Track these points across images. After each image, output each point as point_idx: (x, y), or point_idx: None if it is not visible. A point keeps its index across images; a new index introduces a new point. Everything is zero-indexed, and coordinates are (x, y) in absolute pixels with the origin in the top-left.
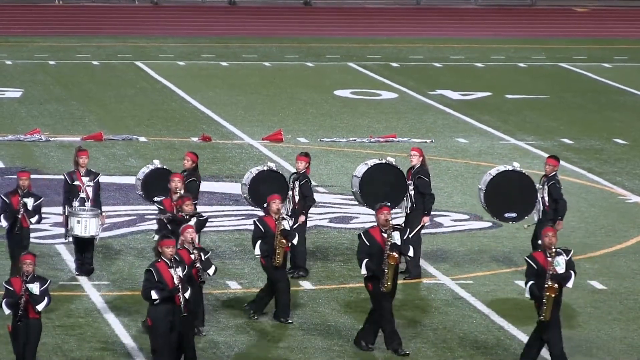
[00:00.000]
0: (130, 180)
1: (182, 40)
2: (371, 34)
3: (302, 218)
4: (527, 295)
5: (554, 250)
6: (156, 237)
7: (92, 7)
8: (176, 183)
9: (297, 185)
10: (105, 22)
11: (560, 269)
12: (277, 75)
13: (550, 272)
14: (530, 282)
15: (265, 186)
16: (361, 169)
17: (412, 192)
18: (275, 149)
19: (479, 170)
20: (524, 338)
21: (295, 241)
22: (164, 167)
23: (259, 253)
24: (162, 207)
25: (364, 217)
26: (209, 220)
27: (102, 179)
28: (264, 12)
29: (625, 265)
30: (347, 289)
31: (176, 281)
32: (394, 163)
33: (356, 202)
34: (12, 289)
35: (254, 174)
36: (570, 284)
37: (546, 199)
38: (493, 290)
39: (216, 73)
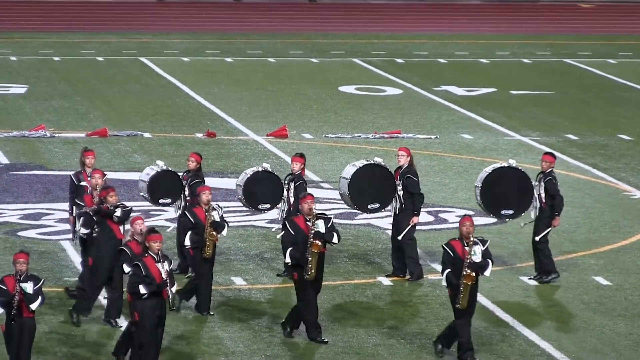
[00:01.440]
0: (135, 176)
1: (186, 36)
2: (376, 30)
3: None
4: (444, 283)
5: (471, 239)
6: (83, 230)
7: (97, 3)
8: (96, 180)
9: (292, 187)
10: (110, 18)
11: (477, 257)
12: (282, 71)
13: (468, 261)
14: (447, 270)
15: (260, 187)
16: (349, 170)
17: (400, 193)
18: (280, 144)
19: (483, 166)
20: (529, 334)
21: (224, 232)
22: (169, 168)
23: (189, 244)
24: (83, 204)
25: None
26: (132, 210)
27: (107, 175)
28: (269, 8)
29: (630, 261)
30: (352, 285)
31: (164, 276)
32: (382, 163)
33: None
34: (5, 288)
35: (249, 175)
36: (487, 273)
37: (543, 195)
38: (498, 286)
39: (221, 69)
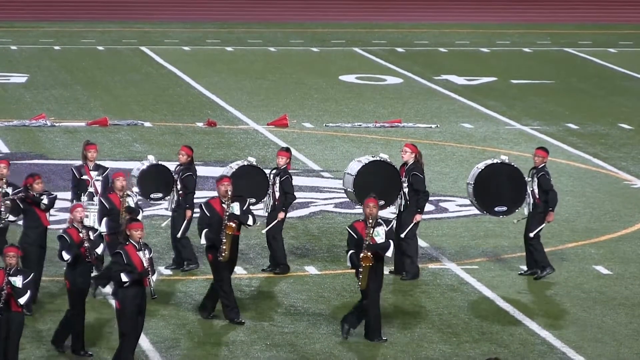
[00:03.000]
0: (136, 165)
1: (187, 25)
2: (376, 19)
3: (281, 215)
4: (348, 264)
5: (374, 220)
6: (11, 217)
7: None
8: (1, 169)
9: (277, 181)
10: (111, 8)
11: (380, 239)
12: (283, 60)
13: (367, 242)
14: (351, 252)
15: (245, 182)
16: (354, 167)
17: (405, 190)
18: (281, 134)
19: (484, 155)
20: (530, 323)
21: (141, 217)
22: (160, 162)
23: (105, 230)
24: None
25: None
26: (57, 197)
27: (107, 164)
28: None
29: (630, 250)
30: (352, 274)
31: (145, 264)
32: (388, 160)
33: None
34: None
35: (234, 169)
36: (389, 254)
37: (536, 191)
38: (498, 275)
39: (221, 58)
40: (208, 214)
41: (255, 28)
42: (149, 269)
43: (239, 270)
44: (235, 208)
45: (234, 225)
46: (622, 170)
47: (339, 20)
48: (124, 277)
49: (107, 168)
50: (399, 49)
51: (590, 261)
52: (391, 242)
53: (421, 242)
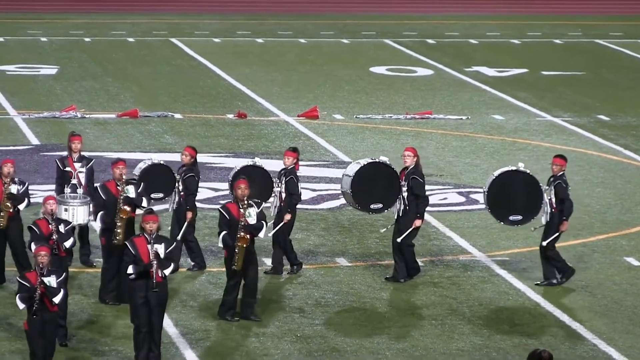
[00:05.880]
0: (165, 157)
1: (217, 17)
2: (407, 11)
3: (287, 217)
4: (220, 244)
5: (245, 202)
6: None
7: None
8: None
9: (283, 181)
10: None
11: (252, 220)
12: (313, 52)
13: (242, 223)
14: (223, 232)
15: (249, 182)
16: (353, 168)
17: (405, 194)
18: (311, 125)
19: (514, 146)
20: (560, 315)
21: (22, 207)
22: (162, 162)
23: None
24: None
25: None
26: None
27: (138, 155)
28: None
29: None
30: (382, 266)
31: (151, 257)
32: (387, 162)
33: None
34: (27, 283)
35: (237, 169)
36: (262, 234)
37: (553, 200)
38: (529, 267)
39: (252, 50)
40: (103, 197)
41: (285, 20)
42: (155, 261)
43: (268, 262)
44: (130, 191)
45: (128, 208)
46: None
47: (369, 12)
48: (130, 270)
49: (92, 159)
50: (430, 41)
51: (621, 253)
52: (264, 223)
53: (451, 234)
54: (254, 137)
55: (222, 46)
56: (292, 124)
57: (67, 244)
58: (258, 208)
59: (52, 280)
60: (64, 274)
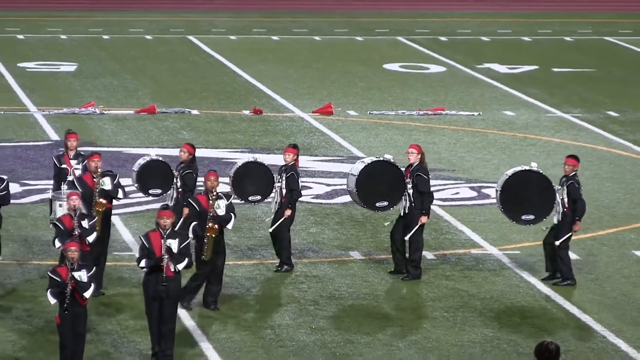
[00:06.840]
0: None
1: (233, 14)
2: (420, 8)
3: (287, 212)
4: (190, 235)
5: (215, 193)
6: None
7: None
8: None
9: (283, 178)
10: None
11: (221, 211)
12: (327, 49)
13: (212, 214)
14: (193, 223)
15: (250, 179)
16: (358, 167)
17: (410, 191)
18: (326, 121)
19: (525, 142)
20: (571, 308)
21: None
22: (160, 159)
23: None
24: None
25: None
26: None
27: (155, 151)
28: None
29: None
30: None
31: (163, 251)
32: (392, 160)
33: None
34: (58, 278)
35: (239, 165)
36: (230, 226)
37: (566, 200)
38: (540, 260)
39: (267, 47)
40: (80, 189)
41: (300, 17)
42: (166, 256)
43: (267, 257)
44: (107, 183)
45: (104, 201)
46: None
47: (382, 9)
48: (142, 263)
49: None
50: (442, 38)
51: (630, 246)
52: (232, 214)
53: (463, 228)
54: (270, 132)
55: (238, 43)
56: (307, 119)
57: (90, 238)
58: (227, 200)
59: (82, 275)
60: (95, 268)
